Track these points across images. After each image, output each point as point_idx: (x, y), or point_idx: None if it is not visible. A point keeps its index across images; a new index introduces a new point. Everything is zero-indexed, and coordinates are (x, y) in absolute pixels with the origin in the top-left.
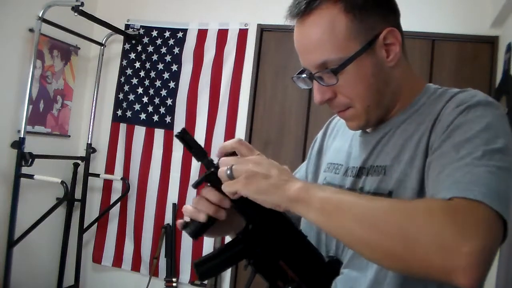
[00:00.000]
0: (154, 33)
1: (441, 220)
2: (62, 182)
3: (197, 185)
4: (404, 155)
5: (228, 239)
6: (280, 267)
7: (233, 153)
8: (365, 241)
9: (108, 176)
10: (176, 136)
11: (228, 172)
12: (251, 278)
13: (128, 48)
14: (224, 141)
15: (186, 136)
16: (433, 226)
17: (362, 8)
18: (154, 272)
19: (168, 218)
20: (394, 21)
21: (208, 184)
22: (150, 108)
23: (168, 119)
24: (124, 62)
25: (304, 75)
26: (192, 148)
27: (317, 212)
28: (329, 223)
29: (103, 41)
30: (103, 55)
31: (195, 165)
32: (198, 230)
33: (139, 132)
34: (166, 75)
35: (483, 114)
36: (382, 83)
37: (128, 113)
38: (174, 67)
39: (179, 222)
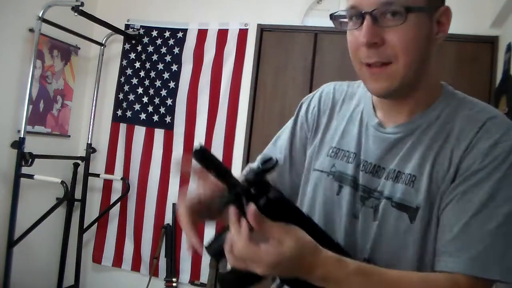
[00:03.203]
0: (154, 33)
1: None
2: (62, 182)
3: (220, 209)
4: (433, 171)
5: None
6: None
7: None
8: None
9: (108, 176)
10: (194, 155)
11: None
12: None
13: (128, 48)
14: (224, 141)
15: (206, 155)
16: None
17: None
18: (154, 272)
19: (168, 218)
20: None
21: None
22: (150, 108)
23: (168, 119)
24: (124, 62)
25: (352, 14)
26: (213, 169)
27: None
28: None
29: (103, 41)
30: (103, 55)
31: (195, 165)
32: (218, 253)
33: (139, 132)
34: (166, 75)
35: (510, 167)
36: (426, 52)
37: (128, 113)
38: (174, 67)
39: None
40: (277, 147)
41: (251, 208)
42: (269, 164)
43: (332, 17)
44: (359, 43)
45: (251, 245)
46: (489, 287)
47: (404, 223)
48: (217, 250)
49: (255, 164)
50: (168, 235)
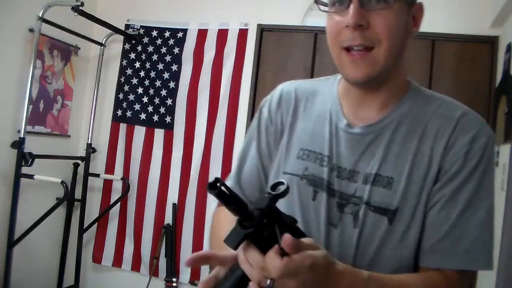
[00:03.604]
0: (154, 33)
1: None
2: (62, 182)
3: (236, 247)
4: (412, 172)
5: None
6: None
7: (295, 231)
8: None
9: (108, 176)
10: (210, 190)
11: (269, 284)
12: None
13: (128, 48)
14: (224, 141)
15: (222, 190)
16: None
17: None
18: (154, 272)
19: (168, 218)
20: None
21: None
22: (150, 108)
23: (168, 119)
24: (124, 62)
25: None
26: (231, 205)
27: None
28: None
29: (103, 41)
30: (103, 55)
31: (195, 165)
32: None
33: (139, 132)
34: (166, 75)
35: (490, 164)
36: (403, 43)
37: (128, 113)
38: (174, 67)
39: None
40: (245, 169)
41: (287, 236)
42: (280, 190)
43: (317, 0)
44: (342, 26)
45: (286, 259)
46: (474, 274)
47: (383, 226)
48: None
49: (230, 183)
50: (168, 235)
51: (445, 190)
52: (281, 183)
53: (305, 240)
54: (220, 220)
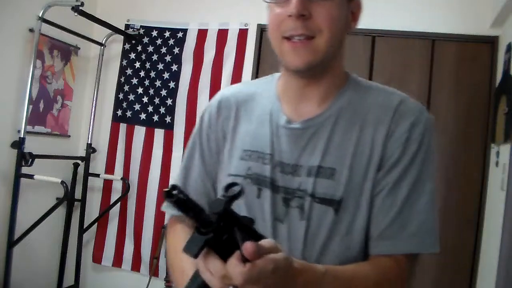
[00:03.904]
0: (154, 33)
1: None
2: (62, 182)
3: (197, 255)
4: (354, 161)
5: None
6: None
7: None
8: None
9: (108, 176)
10: (167, 198)
11: None
12: None
13: (128, 48)
14: None
15: (180, 197)
16: None
17: None
18: (154, 272)
19: (168, 218)
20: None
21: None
22: (150, 108)
23: (168, 119)
24: (124, 62)
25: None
26: (189, 211)
27: None
28: None
29: (103, 41)
30: (103, 55)
31: None
32: None
33: (139, 132)
34: (166, 75)
35: (430, 149)
36: (342, 35)
37: (128, 113)
38: (174, 67)
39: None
40: (191, 177)
41: (248, 244)
42: (234, 192)
43: None
44: (284, 16)
45: (249, 265)
46: (419, 257)
47: (329, 216)
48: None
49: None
50: None
51: (389, 178)
52: (235, 184)
53: (265, 242)
54: (176, 230)
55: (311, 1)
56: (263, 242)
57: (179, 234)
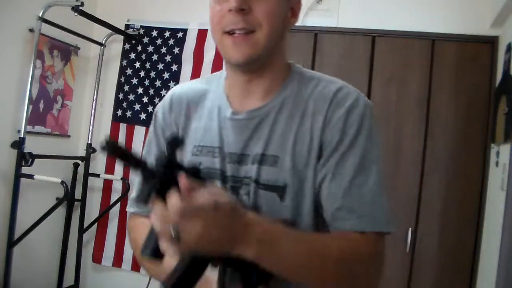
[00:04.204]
0: (154, 33)
1: (372, 266)
2: (62, 182)
3: (146, 201)
4: (295, 149)
5: None
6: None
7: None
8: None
9: (108, 176)
10: (105, 150)
11: (174, 234)
12: (222, 277)
13: (128, 48)
14: None
15: (117, 149)
16: (364, 273)
17: None
18: None
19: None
20: None
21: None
22: (150, 108)
23: None
24: (124, 62)
25: None
26: (129, 160)
27: (275, 268)
28: (286, 274)
29: (103, 41)
30: (103, 55)
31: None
32: (155, 250)
33: (139, 132)
34: (166, 75)
35: (371, 132)
36: (282, 30)
37: (128, 113)
38: (174, 67)
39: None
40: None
41: (182, 175)
42: (174, 143)
43: None
44: (225, 11)
45: (187, 199)
46: (381, 240)
47: (275, 203)
48: (154, 249)
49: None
50: None
51: (330, 163)
52: (178, 138)
53: (210, 185)
54: (137, 225)
55: None
56: (207, 185)
57: (141, 229)
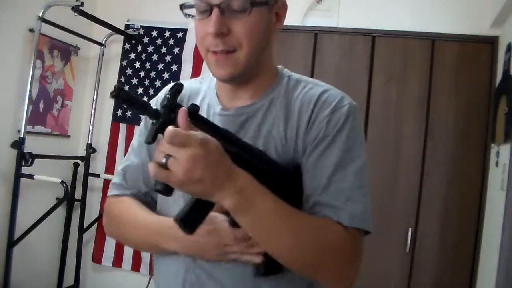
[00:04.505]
0: (154, 33)
1: (345, 256)
2: (62, 182)
3: (152, 141)
4: (281, 147)
5: None
6: None
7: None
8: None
9: (108, 176)
10: (114, 97)
11: (164, 160)
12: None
13: (128, 48)
14: None
15: (124, 94)
16: (339, 259)
17: None
18: (154, 272)
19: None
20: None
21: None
22: None
23: None
24: (124, 62)
25: (201, 6)
26: (137, 103)
27: (248, 226)
28: (256, 235)
29: (103, 41)
30: (103, 55)
31: None
32: (170, 187)
33: None
34: (166, 75)
35: (355, 130)
36: (265, 41)
37: (128, 113)
38: (174, 67)
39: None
40: (136, 152)
41: (182, 110)
42: (176, 87)
43: (182, 7)
44: (206, 32)
45: (182, 130)
46: (357, 236)
47: None
48: (164, 185)
49: (117, 179)
50: None
51: (312, 158)
52: (179, 84)
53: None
54: (122, 201)
55: (230, 17)
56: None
57: (126, 201)
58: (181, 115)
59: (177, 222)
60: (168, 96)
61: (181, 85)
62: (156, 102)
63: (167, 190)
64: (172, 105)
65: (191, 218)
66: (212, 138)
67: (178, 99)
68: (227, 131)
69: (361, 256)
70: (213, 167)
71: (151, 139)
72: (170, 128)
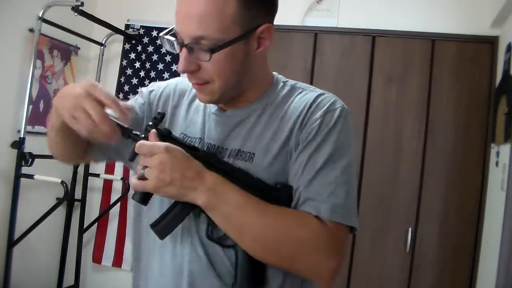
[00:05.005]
0: (154, 33)
1: (323, 249)
2: (62, 182)
3: (132, 159)
4: (271, 149)
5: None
6: None
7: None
8: (261, 253)
9: (108, 176)
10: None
11: (142, 171)
12: (208, 225)
13: (128, 48)
14: None
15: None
16: (318, 253)
17: None
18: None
19: None
20: (272, 16)
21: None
22: None
23: None
24: (124, 62)
25: (174, 39)
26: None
27: (222, 222)
28: (230, 231)
29: (103, 41)
30: (103, 55)
31: None
32: (145, 197)
33: None
34: (166, 75)
35: (345, 132)
36: (244, 69)
37: None
38: (174, 67)
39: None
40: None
41: (152, 131)
42: (159, 116)
43: (160, 38)
44: None
45: (147, 142)
46: (340, 232)
47: None
48: (142, 195)
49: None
50: None
51: (302, 156)
52: (161, 113)
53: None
54: None
55: (198, 57)
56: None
57: None
58: (151, 134)
59: (151, 227)
60: (150, 123)
61: (164, 114)
62: (158, 86)
63: (143, 199)
64: (151, 128)
65: (165, 224)
66: (176, 146)
67: (168, 91)
68: (208, 153)
69: (343, 250)
70: (180, 169)
71: (131, 157)
72: (138, 141)
